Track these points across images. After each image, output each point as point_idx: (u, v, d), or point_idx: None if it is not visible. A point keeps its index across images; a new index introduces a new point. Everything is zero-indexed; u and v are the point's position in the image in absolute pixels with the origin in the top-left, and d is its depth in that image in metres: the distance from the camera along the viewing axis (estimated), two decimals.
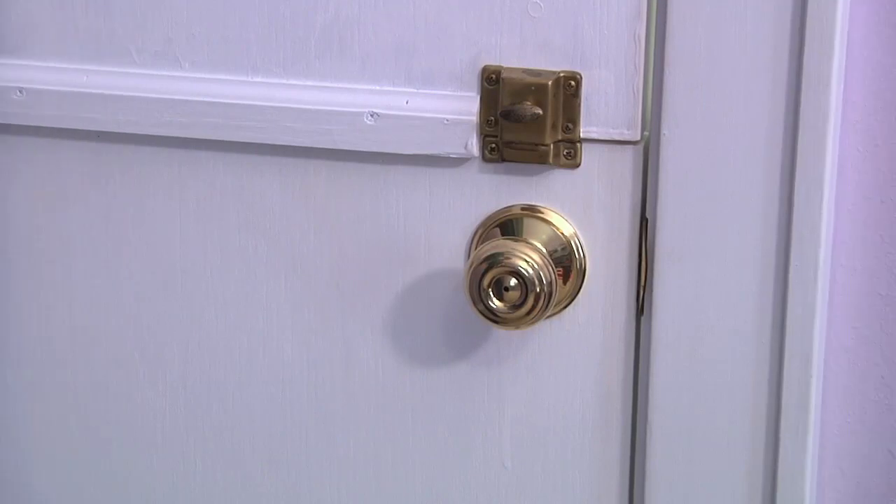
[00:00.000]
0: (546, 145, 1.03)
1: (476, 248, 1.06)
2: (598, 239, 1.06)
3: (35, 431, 1.17)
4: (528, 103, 1.02)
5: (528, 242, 1.04)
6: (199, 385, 1.14)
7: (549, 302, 1.01)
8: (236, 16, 1.05)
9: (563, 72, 1.02)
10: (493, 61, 1.03)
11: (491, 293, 1.01)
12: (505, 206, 1.06)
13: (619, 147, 1.04)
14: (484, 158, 1.04)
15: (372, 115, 1.04)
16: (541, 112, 1.02)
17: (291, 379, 1.12)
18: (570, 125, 1.03)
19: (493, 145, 1.04)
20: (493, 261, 1.01)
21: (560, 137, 1.03)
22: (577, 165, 1.04)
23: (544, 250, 1.04)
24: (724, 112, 1.00)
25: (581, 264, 1.06)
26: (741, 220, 1.02)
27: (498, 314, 1.01)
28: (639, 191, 1.04)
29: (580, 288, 1.06)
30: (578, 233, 1.06)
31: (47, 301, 1.14)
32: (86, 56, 1.08)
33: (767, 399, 1.05)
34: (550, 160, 1.04)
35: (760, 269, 1.03)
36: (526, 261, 1.01)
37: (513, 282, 1.01)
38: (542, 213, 1.06)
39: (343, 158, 1.06)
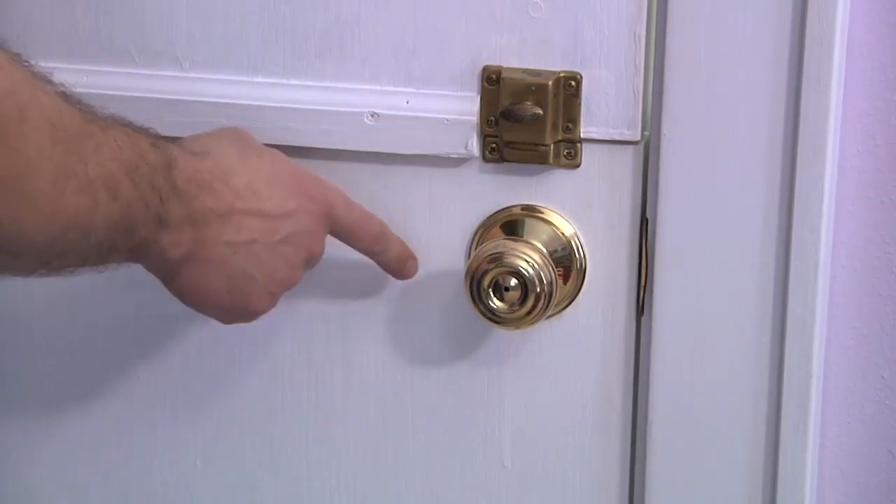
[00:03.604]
0: (546, 145, 1.03)
1: (476, 248, 1.06)
2: (599, 239, 1.06)
3: (35, 431, 1.17)
4: (529, 103, 1.02)
5: (528, 242, 1.04)
6: (199, 385, 1.14)
7: (549, 302, 1.01)
8: (236, 16, 1.05)
9: (563, 72, 1.02)
10: (493, 61, 1.03)
11: (491, 293, 1.01)
12: (505, 206, 1.06)
13: (619, 147, 1.04)
14: (484, 158, 1.05)
15: (372, 115, 1.04)
16: (541, 112, 1.02)
17: (291, 379, 1.12)
18: (571, 125, 1.03)
19: (494, 145, 1.04)
20: (493, 261, 1.01)
21: (560, 137, 1.03)
22: (578, 165, 1.04)
23: (544, 250, 1.04)
24: (725, 112, 1.00)
25: (581, 264, 1.06)
26: (741, 220, 1.02)
27: (498, 314, 1.01)
28: (639, 191, 1.04)
29: (580, 288, 1.06)
30: (579, 233, 1.06)
31: (47, 301, 1.14)
32: (86, 56, 1.08)
33: (767, 399, 1.05)
34: (551, 160, 1.04)
35: (760, 268, 1.03)
36: (526, 261, 1.01)
37: (513, 282, 1.01)
38: (543, 213, 1.06)
39: (343, 158, 1.06)
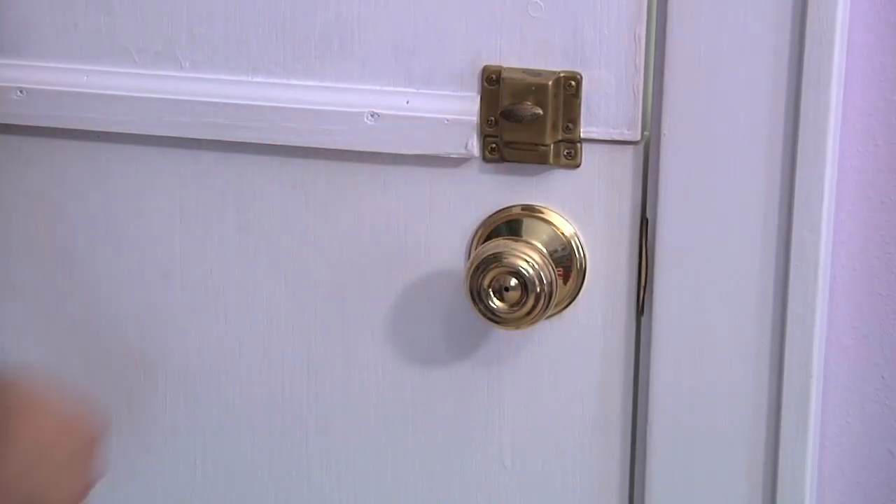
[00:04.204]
0: (546, 145, 1.03)
1: (476, 248, 1.06)
2: (599, 239, 1.06)
3: None
4: (529, 103, 1.02)
5: (528, 242, 1.04)
6: (199, 385, 1.14)
7: (549, 302, 1.01)
8: (236, 16, 1.05)
9: (563, 72, 1.02)
10: (493, 61, 1.03)
11: (491, 293, 1.01)
12: (505, 206, 1.06)
13: (619, 147, 1.04)
14: (484, 158, 1.05)
15: (372, 115, 1.04)
16: (541, 112, 1.02)
17: (291, 379, 1.12)
18: (571, 125, 1.03)
19: (494, 145, 1.04)
20: (493, 261, 1.01)
21: (560, 137, 1.03)
22: (578, 165, 1.04)
23: (544, 250, 1.04)
24: (725, 112, 1.00)
25: (581, 264, 1.06)
26: (741, 220, 1.02)
27: (498, 314, 1.02)
28: (639, 191, 1.04)
29: (580, 288, 1.06)
30: (579, 233, 1.06)
31: (47, 300, 1.14)
32: (86, 56, 1.08)
33: (767, 399, 1.05)
34: (551, 160, 1.04)
35: (760, 268, 1.03)
36: (526, 261, 1.01)
37: (513, 282, 1.01)
38: (543, 213, 1.06)
39: (343, 158, 1.06)
